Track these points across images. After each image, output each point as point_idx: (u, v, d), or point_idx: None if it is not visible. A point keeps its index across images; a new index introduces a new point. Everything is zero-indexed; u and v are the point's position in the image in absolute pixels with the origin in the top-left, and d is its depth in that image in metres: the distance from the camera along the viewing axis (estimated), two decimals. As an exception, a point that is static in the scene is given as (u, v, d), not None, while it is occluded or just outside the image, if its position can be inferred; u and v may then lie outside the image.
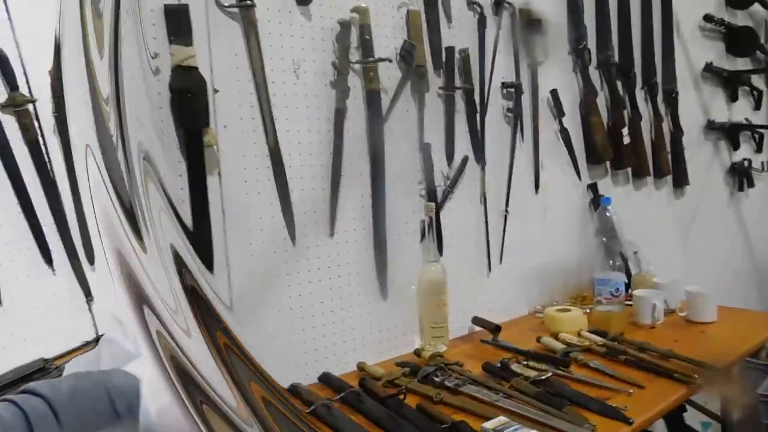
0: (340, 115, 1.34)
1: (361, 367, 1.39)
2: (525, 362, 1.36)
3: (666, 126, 2.29)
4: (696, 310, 1.65)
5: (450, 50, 1.54)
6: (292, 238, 1.28)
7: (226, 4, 1.17)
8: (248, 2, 1.18)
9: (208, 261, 1.15)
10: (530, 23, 1.75)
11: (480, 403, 1.17)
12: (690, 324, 1.65)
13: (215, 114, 1.15)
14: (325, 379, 1.34)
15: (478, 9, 1.62)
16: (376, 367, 1.38)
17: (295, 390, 1.28)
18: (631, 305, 1.69)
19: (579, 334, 1.54)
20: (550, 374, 1.26)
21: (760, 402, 2.14)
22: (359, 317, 1.42)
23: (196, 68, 1.10)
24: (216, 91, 1.14)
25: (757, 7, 2.74)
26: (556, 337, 1.53)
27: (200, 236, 1.13)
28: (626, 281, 1.78)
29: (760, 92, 2.83)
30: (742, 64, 2.73)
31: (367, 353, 1.42)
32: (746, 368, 2.21)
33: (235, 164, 1.20)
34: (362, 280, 1.42)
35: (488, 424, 1.05)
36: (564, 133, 1.89)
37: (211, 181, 1.16)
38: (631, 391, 1.19)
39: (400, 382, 1.29)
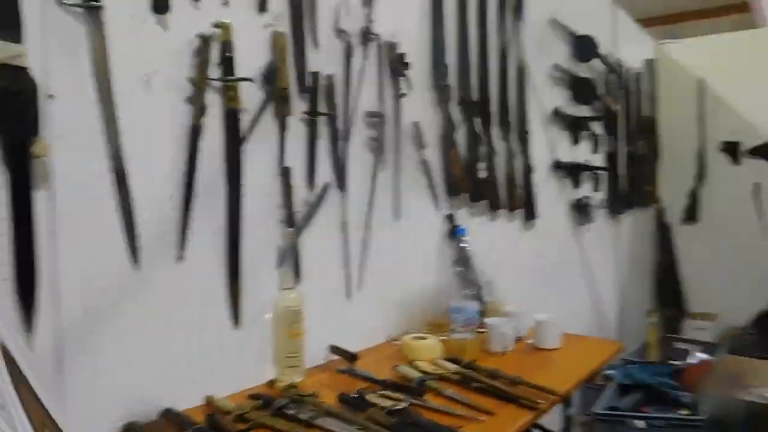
0: (195, 132, 1.26)
1: (209, 401, 1.30)
2: (381, 392, 1.35)
3: (519, 163, 2.45)
4: (543, 338, 1.74)
5: (315, 75, 1.53)
6: (136, 261, 1.18)
7: (68, 2, 1.07)
8: (94, 3, 1.08)
9: (29, 288, 1.01)
10: (395, 57, 1.79)
11: (333, 437, 1.13)
12: (537, 350, 1.74)
13: (49, 122, 1.03)
14: (168, 415, 1.23)
15: (346, 37, 1.63)
16: (225, 400, 1.30)
17: (131, 428, 1.16)
18: (483, 332, 1.75)
19: (434, 363, 1.57)
20: (406, 404, 1.25)
21: (596, 420, 2.32)
22: (208, 346, 1.33)
23: (26, 69, 0.98)
24: (50, 96, 1.03)
25: (596, 62, 3.05)
26: (412, 365, 1.54)
27: (22, 259, 1.00)
28: (480, 309, 1.85)
29: (597, 137, 3.14)
30: (585, 111, 3.01)
31: (217, 385, 1.33)
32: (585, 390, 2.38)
33: (71, 179, 1.08)
34: (212, 308, 1.34)
35: None
36: (425, 164, 1.94)
37: (41, 197, 1.04)
38: (482, 418, 1.22)
39: (250, 416, 1.21)
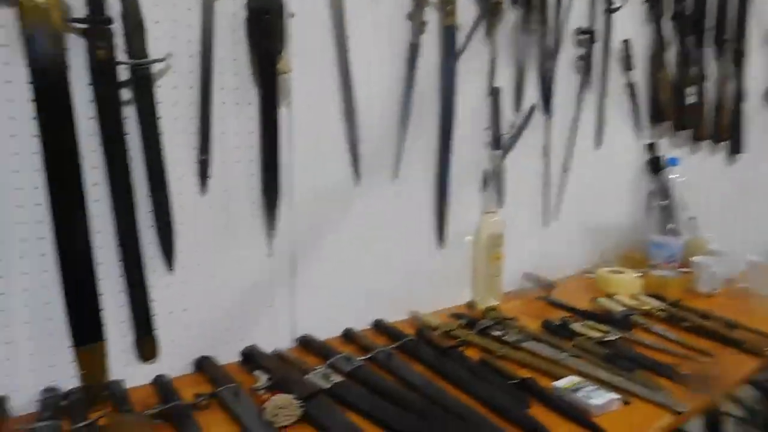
0: (413, 50, 1.25)
1: (414, 317, 1.36)
2: (584, 322, 1.32)
3: (730, 88, 2.17)
4: (759, 282, 1.59)
5: (528, -14, 1.44)
6: (357, 176, 1.22)
7: None
8: None
9: (273, 195, 1.10)
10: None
11: (545, 361, 1.13)
12: (751, 295, 1.59)
13: (289, 40, 1.07)
14: (379, 326, 1.30)
15: (559, -53, 1.51)
16: (430, 316, 1.35)
17: (349, 335, 1.25)
18: (686, 272, 1.63)
19: (636, 298, 1.50)
20: (615, 337, 1.22)
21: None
22: (415, 264, 1.38)
23: (272, -13, 1.01)
24: (292, 15, 1.06)
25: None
26: (613, 298, 1.49)
27: (268, 170, 1.08)
28: (683, 246, 1.72)
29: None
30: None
31: (420, 302, 1.38)
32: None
33: (305, 95, 1.13)
34: (421, 226, 1.37)
35: (561, 383, 1.01)
36: (631, 87, 1.79)
37: (282, 112, 1.10)
38: (703, 359, 1.15)
39: (457, 334, 1.25)
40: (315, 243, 1.20)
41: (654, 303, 1.45)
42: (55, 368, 0.93)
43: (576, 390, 0.99)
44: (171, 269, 1.01)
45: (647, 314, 1.40)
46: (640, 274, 1.61)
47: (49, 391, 0.92)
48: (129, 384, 0.98)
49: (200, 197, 1.04)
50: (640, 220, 1.88)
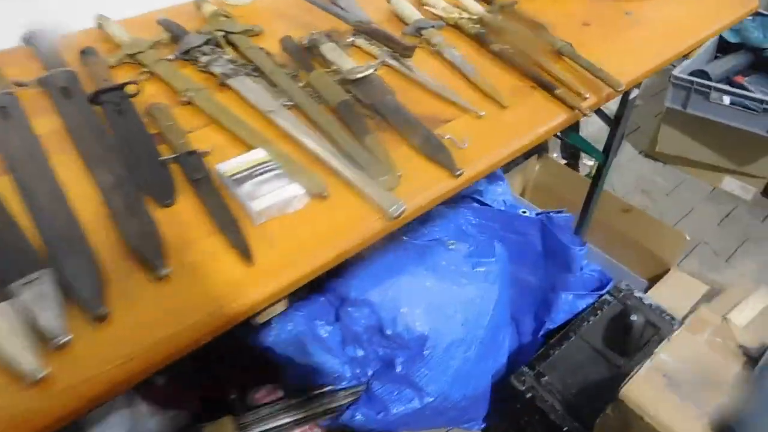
0: None
1: (101, 24, 0.90)
2: (350, 40, 0.90)
3: None
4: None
5: None
6: None
7: None
8: None
9: None
10: None
11: (236, 122, 0.74)
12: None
13: None
14: (31, 42, 0.84)
15: None
16: (120, 27, 0.88)
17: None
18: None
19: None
20: (372, 69, 0.81)
21: (674, 85, 1.83)
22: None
23: None
24: None
25: None
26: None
27: None
28: None
29: None
30: None
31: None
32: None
33: None
34: None
35: (227, 166, 0.64)
36: None
37: None
38: (482, 112, 0.78)
39: (143, 60, 0.82)
40: None
41: (476, 8, 1.02)
42: None
43: (244, 178, 0.63)
44: None
45: (455, 26, 0.98)
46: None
47: None
48: None
49: None
50: None
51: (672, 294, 1.44)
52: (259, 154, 0.66)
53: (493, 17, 0.99)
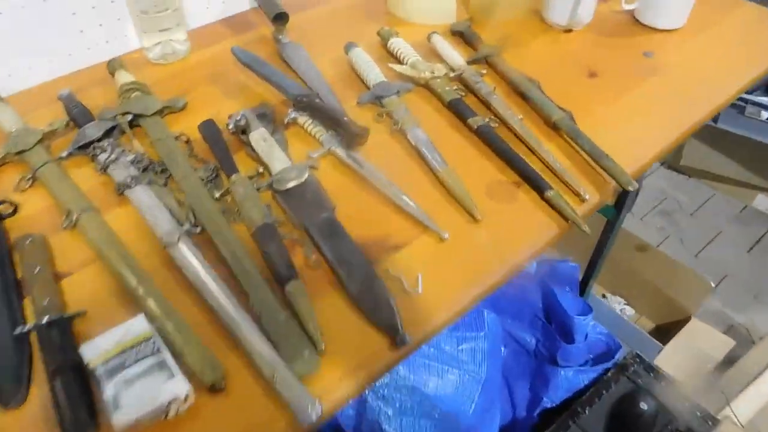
0: None
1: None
2: (292, 117, 0.73)
3: None
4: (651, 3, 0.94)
5: None
6: None
7: None
8: None
9: None
10: None
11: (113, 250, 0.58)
12: (639, 28, 0.95)
13: None
14: None
15: None
16: (12, 112, 0.72)
17: None
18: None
19: (429, 40, 0.87)
20: (306, 174, 0.64)
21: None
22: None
23: None
24: None
25: None
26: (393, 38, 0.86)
27: None
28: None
29: None
30: None
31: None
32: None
33: None
34: None
35: (94, 350, 0.48)
36: None
37: None
38: (446, 234, 0.61)
39: (31, 159, 0.67)
40: None
41: (455, 60, 0.83)
42: None
43: (114, 369, 0.48)
44: None
45: (426, 87, 0.80)
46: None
47: None
48: None
49: None
50: None
51: (688, 356, 1.27)
52: (138, 327, 0.50)
53: (476, 73, 0.80)
